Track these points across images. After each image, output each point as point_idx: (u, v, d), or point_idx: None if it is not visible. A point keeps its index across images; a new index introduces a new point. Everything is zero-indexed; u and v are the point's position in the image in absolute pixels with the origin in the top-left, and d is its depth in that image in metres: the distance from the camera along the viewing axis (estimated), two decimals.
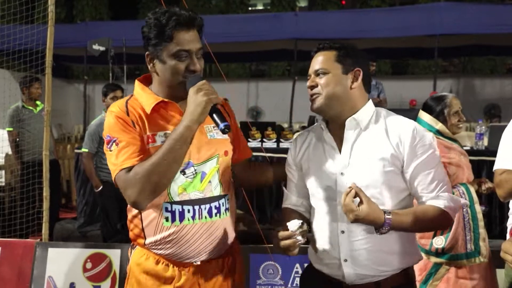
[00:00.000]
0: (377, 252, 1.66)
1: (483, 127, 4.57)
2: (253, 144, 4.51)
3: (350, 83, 1.68)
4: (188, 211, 1.64)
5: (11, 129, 5.33)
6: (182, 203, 1.63)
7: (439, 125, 2.85)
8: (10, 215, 4.77)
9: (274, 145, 4.54)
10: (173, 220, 1.63)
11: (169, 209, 1.63)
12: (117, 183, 1.55)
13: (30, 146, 5.14)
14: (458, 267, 2.78)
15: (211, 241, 1.69)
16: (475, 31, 8.34)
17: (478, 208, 2.75)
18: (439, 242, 2.73)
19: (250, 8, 18.85)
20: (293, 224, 1.59)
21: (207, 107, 1.51)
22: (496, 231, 4.62)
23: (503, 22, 8.03)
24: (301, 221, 1.61)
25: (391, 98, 8.07)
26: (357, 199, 1.52)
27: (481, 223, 2.73)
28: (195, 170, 1.64)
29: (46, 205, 3.76)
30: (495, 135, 4.36)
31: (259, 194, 4.49)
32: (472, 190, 2.78)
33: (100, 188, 4.66)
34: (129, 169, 1.52)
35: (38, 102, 5.44)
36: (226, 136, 1.74)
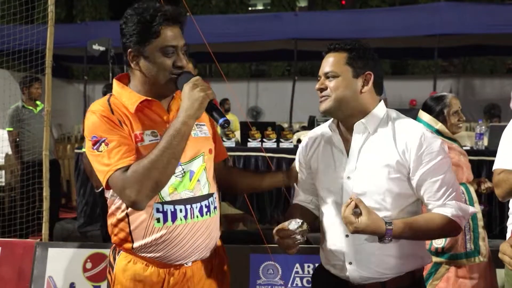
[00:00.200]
0: (382, 256, 1.65)
1: (483, 127, 4.57)
2: (253, 144, 4.51)
3: (360, 87, 1.64)
4: (180, 210, 1.61)
5: (11, 129, 5.33)
6: (173, 203, 1.60)
7: (438, 125, 2.86)
8: (10, 215, 4.77)
9: (274, 145, 4.53)
10: (165, 220, 1.59)
11: (161, 209, 1.59)
12: (112, 184, 1.50)
13: (30, 146, 5.14)
14: (458, 267, 2.79)
15: (202, 241, 1.67)
16: (475, 31, 8.34)
17: (478, 208, 2.75)
18: (439, 241, 2.73)
19: (250, 8, 18.84)
20: (293, 224, 1.60)
21: (204, 102, 1.49)
22: (496, 231, 4.62)
23: (503, 22, 8.03)
24: (301, 220, 1.61)
25: (391, 98, 8.07)
26: (358, 209, 1.52)
27: (481, 223, 2.74)
28: (182, 169, 1.62)
29: (46, 205, 3.76)
30: (495, 135, 4.36)
31: (259, 194, 4.49)
32: (472, 189, 2.79)
33: (100, 189, 4.66)
34: (126, 168, 1.47)
35: (38, 102, 5.44)
36: (208, 134, 1.75)
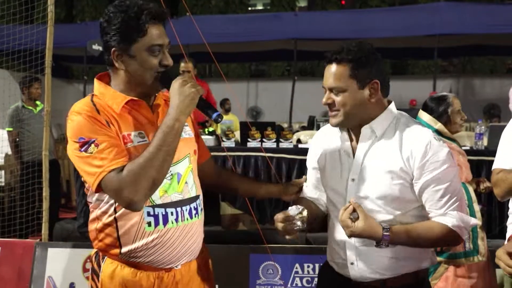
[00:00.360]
0: (384, 257, 1.66)
1: (483, 127, 4.57)
2: (252, 144, 4.50)
3: (368, 96, 1.62)
4: (171, 213, 1.59)
5: (11, 129, 5.34)
6: (164, 206, 1.58)
7: (438, 125, 2.87)
8: (10, 215, 4.77)
9: (274, 145, 4.53)
10: (157, 224, 1.57)
11: (152, 213, 1.56)
12: (107, 185, 1.45)
13: (30, 146, 5.14)
14: (456, 266, 2.80)
15: (192, 243, 1.67)
16: (475, 31, 8.33)
17: (477, 207, 2.77)
18: None
19: (249, 8, 18.83)
20: (293, 210, 1.62)
21: (195, 98, 1.48)
22: (495, 230, 4.61)
23: (503, 22, 8.02)
24: (302, 207, 1.63)
25: (391, 98, 8.05)
26: (356, 214, 1.53)
27: (479, 222, 2.75)
28: (170, 171, 1.59)
29: (45, 205, 3.76)
30: (495, 135, 4.35)
31: None
32: (471, 189, 2.81)
33: None
34: (120, 169, 1.44)
35: (38, 102, 5.44)
36: (191, 135, 1.73)
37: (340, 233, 1.72)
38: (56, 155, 5.72)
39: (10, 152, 5.61)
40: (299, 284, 3.42)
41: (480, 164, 4.29)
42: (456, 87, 12.00)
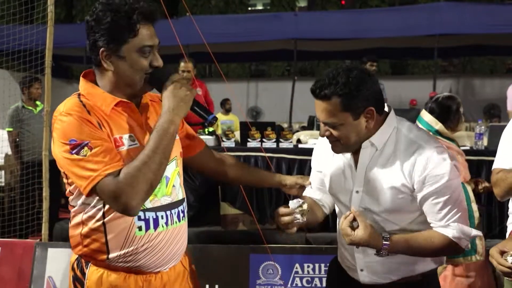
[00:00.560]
0: (392, 263, 1.68)
1: (483, 127, 4.56)
2: (252, 144, 4.50)
3: (365, 123, 1.58)
4: (162, 217, 1.56)
5: (11, 129, 5.34)
6: (155, 209, 1.55)
7: (438, 126, 2.88)
8: (10, 215, 4.77)
9: (274, 145, 4.53)
10: (147, 228, 1.53)
11: (142, 217, 1.52)
12: (102, 190, 1.39)
13: (30, 146, 5.14)
14: (454, 265, 2.83)
15: (179, 246, 1.65)
16: (475, 31, 8.33)
17: (475, 207, 2.79)
18: None
19: (249, 8, 18.84)
20: (293, 203, 1.61)
21: (190, 101, 1.47)
22: (495, 230, 4.61)
23: (503, 22, 8.01)
24: (302, 200, 1.63)
25: (391, 98, 8.06)
26: (356, 223, 1.54)
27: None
28: None
29: (45, 205, 3.76)
30: (495, 135, 4.35)
31: (259, 194, 4.48)
32: (469, 189, 2.83)
33: None
34: (117, 173, 1.39)
35: (38, 103, 5.44)
36: (177, 136, 1.68)
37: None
38: None
39: (10, 152, 5.61)
40: (299, 284, 3.42)
41: (480, 164, 4.29)
42: (456, 87, 11.99)
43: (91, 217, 1.52)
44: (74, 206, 1.58)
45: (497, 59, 15.69)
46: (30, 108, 5.40)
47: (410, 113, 4.95)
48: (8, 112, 5.35)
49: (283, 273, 3.43)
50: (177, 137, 1.70)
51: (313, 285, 3.40)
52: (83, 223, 1.55)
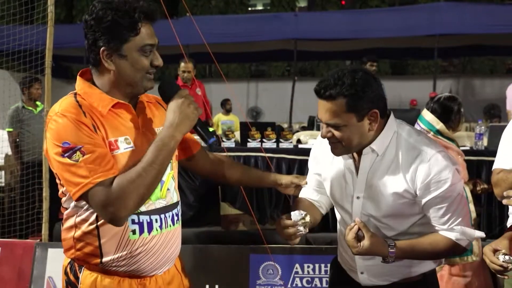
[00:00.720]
0: (392, 266, 1.67)
1: (483, 127, 4.56)
2: (252, 144, 4.50)
3: (368, 126, 1.57)
4: (156, 220, 1.54)
5: (11, 129, 5.34)
6: (149, 213, 1.53)
7: (439, 125, 2.90)
8: (10, 216, 4.77)
9: (274, 145, 4.53)
10: (141, 232, 1.51)
11: (136, 220, 1.50)
12: (91, 198, 1.37)
13: (30, 146, 5.14)
14: (451, 265, 2.84)
15: (174, 249, 1.64)
16: (475, 31, 8.34)
17: (472, 208, 2.81)
18: None
19: (249, 9, 18.85)
20: (296, 215, 1.61)
21: (195, 120, 1.46)
22: (495, 230, 4.61)
23: (503, 22, 8.02)
24: (304, 212, 1.62)
25: (391, 98, 8.04)
26: (361, 233, 1.55)
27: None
28: None
29: (46, 205, 3.76)
30: (495, 135, 4.35)
31: (259, 194, 4.48)
32: (467, 189, 2.85)
33: None
34: (109, 182, 1.37)
35: (38, 103, 5.44)
36: None
37: (347, 246, 1.74)
38: None
39: (10, 153, 5.61)
40: (299, 284, 3.42)
41: (480, 164, 4.29)
42: (456, 87, 12.00)
43: (84, 220, 1.50)
44: (66, 208, 1.56)
45: (497, 59, 15.70)
46: (30, 108, 5.40)
47: (410, 113, 4.95)
48: (8, 113, 5.35)
49: (283, 273, 3.43)
50: None
51: (313, 285, 3.40)
52: (76, 226, 1.53)
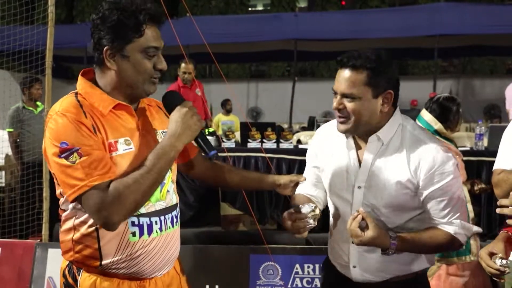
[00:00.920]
0: (386, 262, 1.68)
1: (483, 128, 4.57)
2: (253, 144, 4.50)
3: (380, 106, 1.60)
4: (156, 222, 1.54)
5: (11, 129, 5.34)
6: (149, 215, 1.52)
7: (438, 125, 2.90)
8: (10, 216, 4.77)
9: (274, 146, 4.53)
10: (141, 234, 1.50)
11: (136, 223, 1.50)
12: (86, 201, 1.37)
13: (30, 146, 5.14)
14: (448, 265, 2.85)
15: (173, 251, 1.63)
16: (475, 31, 8.34)
17: (470, 208, 2.82)
18: None
19: (250, 9, 18.84)
20: (306, 208, 1.60)
21: (197, 132, 1.46)
22: (495, 231, 4.62)
23: (503, 22, 8.03)
24: (314, 205, 1.62)
25: None
26: (364, 222, 1.54)
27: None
28: None
29: (46, 205, 3.76)
30: (495, 135, 4.35)
31: (259, 194, 4.49)
32: (465, 189, 2.86)
33: None
34: (105, 186, 1.36)
35: (38, 103, 5.44)
36: None
37: (343, 238, 1.73)
38: None
39: (10, 153, 5.61)
40: (299, 285, 3.42)
41: (480, 164, 4.29)
42: (456, 87, 12.00)
43: (83, 223, 1.49)
44: (65, 210, 1.54)
45: (497, 59, 15.70)
46: (31, 108, 5.40)
47: (411, 114, 4.94)
48: (9, 113, 5.35)
49: (283, 273, 3.43)
50: None
51: (313, 286, 3.40)
52: (74, 228, 1.51)
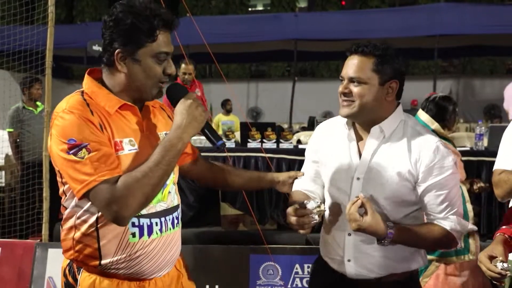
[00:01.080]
0: (381, 257, 1.68)
1: (483, 128, 4.57)
2: (253, 144, 4.51)
3: (385, 95, 1.64)
4: (156, 224, 1.54)
5: (11, 129, 5.34)
6: (150, 216, 1.52)
7: (434, 125, 2.91)
8: (10, 216, 4.77)
9: (274, 146, 4.53)
10: (141, 235, 1.51)
11: (137, 223, 1.50)
12: (95, 196, 1.37)
13: (30, 146, 5.14)
14: (447, 264, 2.84)
15: (173, 252, 1.63)
16: (475, 31, 8.34)
17: (469, 207, 2.81)
18: None
19: (250, 9, 18.84)
20: (312, 204, 1.60)
21: (203, 123, 1.46)
22: (496, 231, 4.63)
23: (503, 22, 8.03)
24: (319, 201, 1.62)
25: None
26: (363, 209, 1.54)
27: (476, 228, 2.78)
28: None
29: (46, 205, 3.76)
30: (495, 135, 4.36)
31: (259, 194, 4.49)
32: (464, 189, 2.86)
33: None
34: (114, 181, 1.37)
35: (38, 103, 5.44)
36: None
37: (339, 230, 1.73)
38: None
39: (10, 153, 5.61)
40: (299, 285, 3.42)
41: (480, 164, 4.30)
42: (456, 87, 12.01)
43: (84, 222, 1.50)
44: (66, 208, 1.55)
45: (497, 59, 15.69)
46: (31, 108, 5.40)
47: (411, 114, 4.95)
48: (9, 113, 5.35)
49: (283, 273, 3.43)
50: None
51: None
52: (75, 227, 1.52)
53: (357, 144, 1.71)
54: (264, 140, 4.54)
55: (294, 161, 4.38)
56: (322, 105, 10.59)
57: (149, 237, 1.52)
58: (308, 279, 2.05)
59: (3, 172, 6.07)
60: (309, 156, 1.90)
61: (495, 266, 1.52)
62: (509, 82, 5.10)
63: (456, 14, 8.31)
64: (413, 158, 1.62)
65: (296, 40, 9.07)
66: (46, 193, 3.77)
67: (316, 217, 1.59)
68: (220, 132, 5.29)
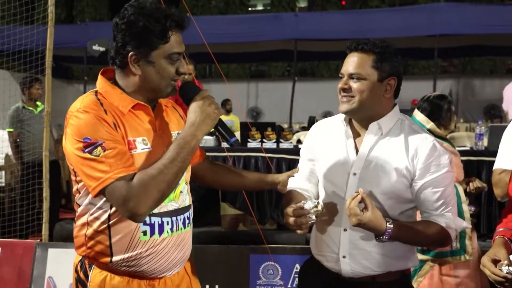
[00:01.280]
0: (376, 254, 1.68)
1: (483, 128, 4.57)
2: (253, 144, 4.50)
3: (383, 91, 1.67)
4: (167, 223, 1.56)
5: (11, 129, 5.34)
6: (161, 215, 1.54)
7: (430, 124, 2.90)
8: (10, 216, 4.78)
9: (274, 146, 4.53)
10: (152, 233, 1.53)
11: (148, 222, 1.52)
12: (111, 193, 1.39)
13: (30, 146, 5.14)
14: (441, 264, 2.83)
15: (184, 252, 1.65)
16: (475, 31, 8.34)
17: (466, 208, 2.81)
18: None
19: (250, 9, 18.84)
20: (309, 203, 1.60)
21: (216, 120, 1.48)
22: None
23: (503, 22, 8.02)
24: (317, 201, 1.62)
25: None
26: (362, 204, 1.54)
27: (470, 226, 2.78)
28: None
29: (46, 205, 3.76)
30: (495, 135, 4.36)
31: (259, 194, 4.49)
32: (461, 189, 2.84)
33: None
34: (130, 178, 1.39)
35: (38, 103, 5.44)
36: None
37: (334, 226, 1.73)
38: (57, 156, 5.72)
39: (10, 153, 5.61)
40: None
41: (480, 164, 4.30)
42: (456, 87, 12.01)
43: (96, 219, 1.52)
44: (79, 205, 1.57)
45: (497, 59, 15.68)
46: (31, 108, 5.40)
47: (411, 113, 4.95)
48: (9, 113, 5.36)
49: (283, 273, 3.43)
50: None
51: None
52: (88, 224, 1.54)
53: (354, 141, 1.73)
54: (264, 140, 4.54)
55: (294, 161, 4.37)
56: (322, 105, 10.59)
57: (160, 236, 1.54)
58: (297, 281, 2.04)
59: (3, 172, 6.07)
60: (304, 155, 1.90)
61: (500, 270, 1.49)
62: (509, 82, 5.10)
63: (456, 14, 8.30)
64: (410, 155, 1.64)
65: (296, 40, 9.07)
66: (46, 193, 3.77)
67: (314, 217, 1.59)
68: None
